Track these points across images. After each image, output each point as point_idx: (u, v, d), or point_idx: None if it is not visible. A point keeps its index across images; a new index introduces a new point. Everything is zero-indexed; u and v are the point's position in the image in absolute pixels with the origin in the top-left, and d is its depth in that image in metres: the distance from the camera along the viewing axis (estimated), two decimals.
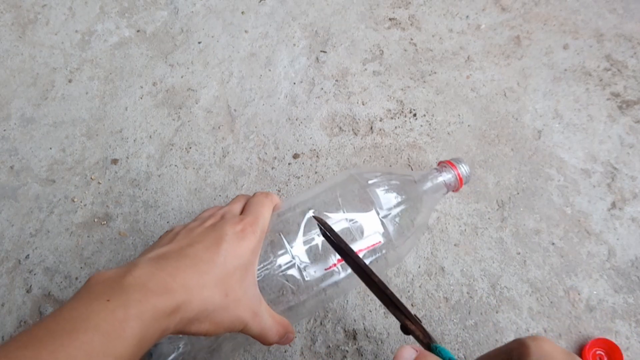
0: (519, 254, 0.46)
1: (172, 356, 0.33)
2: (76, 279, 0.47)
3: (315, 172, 0.52)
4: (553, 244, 0.46)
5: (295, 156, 0.53)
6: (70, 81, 0.60)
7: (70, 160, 0.54)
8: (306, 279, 0.35)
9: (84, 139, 0.56)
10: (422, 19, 0.62)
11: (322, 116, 0.56)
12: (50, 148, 0.55)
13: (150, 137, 0.55)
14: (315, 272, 0.36)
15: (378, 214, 0.38)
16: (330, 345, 0.43)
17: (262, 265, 0.34)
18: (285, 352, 0.43)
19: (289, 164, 0.53)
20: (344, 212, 0.38)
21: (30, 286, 0.47)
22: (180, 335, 0.32)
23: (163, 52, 0.62)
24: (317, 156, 0.53)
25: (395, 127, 0.54)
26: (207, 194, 0.52)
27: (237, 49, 0.62)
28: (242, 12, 0.65)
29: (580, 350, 0.41)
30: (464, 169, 0.43)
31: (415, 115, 0.55)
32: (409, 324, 0.30)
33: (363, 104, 0.56)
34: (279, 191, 0.51)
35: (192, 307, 0.26)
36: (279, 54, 0.61)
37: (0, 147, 0.55)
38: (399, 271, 0.46)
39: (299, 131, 0.55)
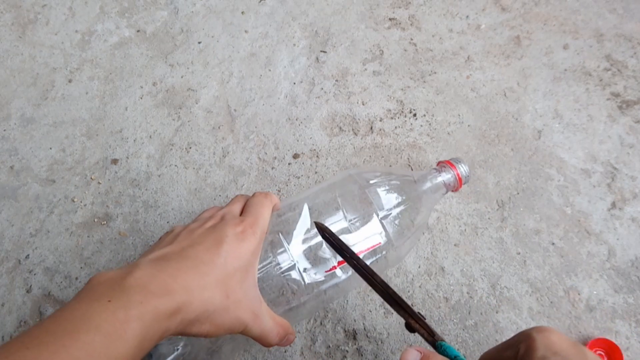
0: (519, 254, 0.46)
1: (172, 357, 0.33)
2: (76, 279, 0.47)
3: (315, 172, 0.52)
4: (553, 244, 0.46)
5: (295, 156, 0.53)
6: (70, 81, 0.60)
7: (70, 160, 0.54)
8: (306, 280, 0.35)
9: (84, 139, 0.56)
10: (422, 19, 0.62)
11: (322, 116, 0.56)
12: (50, 148, 0.55)
13: (150, 137, 0.55)
14: (315, 273, 0.36)
15: (378, 215, 0.38)
16: (330, 345, 0.43)
17: (262, 266, 0.34)
18: (285, 352, 0.43)
19: (289, 164, 0.53)
20: (343, 213, 0.38)
21: (30, 286, 0.47)
22: (180, 336, 0.32)
23: (163, 52, 0.62)
24: (317, 156, 0.53)
25: (395, 127, 0.54)
26: (207, 194, 0.52)
27: (237, 49, 0.62)
28: (242, 12, 0.65)
29: None
30: (463, 169, 0.43)
31: (415, 115, 0.55)
32: (413, 322, 0.30)
33: (363, 104, 0.56)
34: (279, 191, 0.51)
35: (192, 309, 0.26)
36: (279, 54, 0.61)
37: (0, 147, 0.55)
38: (399, 271, 0.46)
39: (299, 131, 0.55)
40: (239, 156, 0.54)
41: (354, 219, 0.38)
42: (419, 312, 0.30)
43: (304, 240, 0.36)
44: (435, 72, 0.58)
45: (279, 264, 0.35)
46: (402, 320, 0.30)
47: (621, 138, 0.52)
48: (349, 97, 0.57)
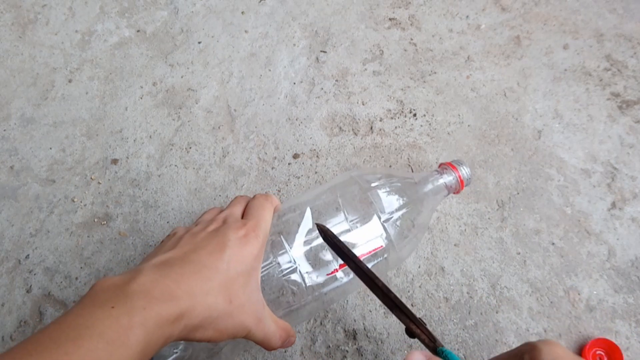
0: (519, 254, 0.46)
1: (171, 358, 0.32)
2: (76, 279, 0.47)
3: (315, 172, 0.52)
4: (553, 244, 0.46)
5: (295, 156, 0.53)
6: (70, 81, 0.60)
7: (70, 160, 0.54)
8: (307, 283, 0.35)
9: (84, 139, 0.56)
10: (422, 19, 0.62)
11: (322, 116, 0.56)
12: (50, 148, 0.55)
13: (150, 137, 0.55)
14: (317, 276, 0.36)
15: (379, 217, 0.38)
16: (330, 345, 0.43)
17: (263, 268, 0.34)
18: (285, 352, 0.43)
19: (289, 164, 0.53)
20: (345, 215, 0.37)
21: (30, 286, 0.47)
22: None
23: (163, 52, 0.62)
24: (317, 156, 0.53)
25: (395, 127, 0.54)
26: (207, 194, 0.52)
27: (237, 49, 0.62)
28: (242, 12, 0.65)
29: (580, 350, 0.41)
30: (464, 171, 0.42)
31: (415, 115, 0.55)
32: (414, 327, 0.29)
33: (363, 104, 0.56)
34: (279, 191, 0.51)
35: (196, 314, 0.26)
36: (279, 54, 0.61)
37: (0, 147, 0.55)
38: (399, 271, 0.46)
39: (299, 131, 0.55)
40: (239, 156, 0.54)
41: (356, 221, 0.38)
42: (420, 318, 0.30)
43: (306, 243, 0.36)
44: (435, 72, 0.58)
45: (280, 266, 0.35)
46: None
47: (621, 138, 0.52)
48: (349, 97, 0.57)
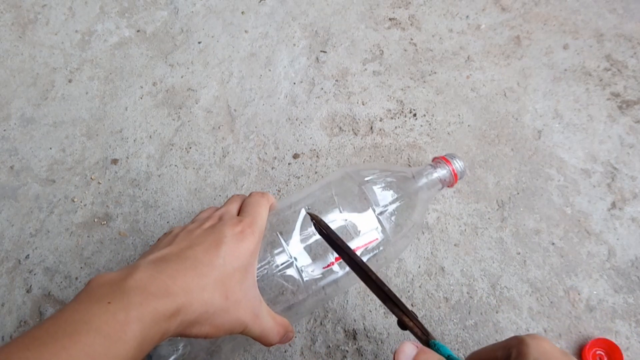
0: (519, 254, 0.46)
1: (172, 358, 0.33)
2: (76, 279, 0.47)
3: (315, 172, 0.52)
4: (553, 244, 0.46)
5: (295, 156, 0.53)
6: (70, 81, 0.60)
7: (70, 160, 0.54)
8: (305, 277, 0.35)
9: (84, 139, 0.56)
10: (422, 19, 0.62)
11: (322, 116, 0.56)
12: (50, 148, 0.55)
13: (150, 137, 0.55)
14: (313, 270, 0.36)
15: (374, 211, 0.38)
16: (330, 345, 0.43)
17: (260, 265, 0.34)
18: (285, 352, 0.43)
19: (289, 164, 0.53)
20: (340, 210, 0.38)
21: (30, 286, 0.47)
22: (180, 337, 0.33)
23: (163, 52, 0.62)
24: (317, 156, 0.53)
25: (395, 127, 0.54)
26: (207, 194, 0.52)
27: (237, 49, 0.62)
28: (242, 12, 0.65)
29: (580, 350, 0.41)
30: (458, 164, 0.43)
31: (415, 115, 0.55)
32: (407, 320, 0.30)
33: (363, 104, 0.56)
34: (279, 191, 0.51)
35: (192, 310, 0.26)
36: (279, 54, 0.61)
37: (0, 147, 0.55)
38: (399, 271, 0.46)
39: (299, 131, 0.55)
40: (239, 156, 0.54)
41: (351, 216, 0.38)
42: (412, 312, 0.30)
43: (302, 238, 0.36)
44: (435, 72, 0.58)
45: (277, 262, 0.35)
46: None
47: (621, 138, 0.52)
48: (349, 97, 0.57)
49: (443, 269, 0.46)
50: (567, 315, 0.43)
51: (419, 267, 0.46)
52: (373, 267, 0.33)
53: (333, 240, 0.34)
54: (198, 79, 0.60)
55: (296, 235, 0.36)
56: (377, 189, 0.39)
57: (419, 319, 0.30)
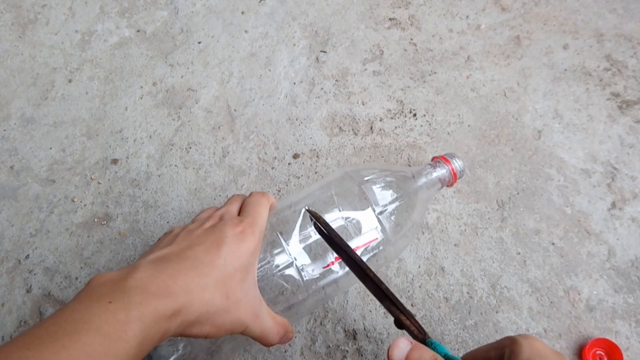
0: (519, 254, 0.46)
1: (172, 358, 0.32)
2: (76, 279, 0.47)
3: (315, 172, 0.52)
4: (553, 244, 0.46)
5: (295, 156, 0.53)
6: (70, 81, 0.60)
7: (70, 160, 0.54)
8: (305, 277, 0.35)
9: (84, 139, 0.56)
10: (422, 19, 0.62)
11: (322, 116, 0.56)
12: (50, 148, 0.55)
13: (150, 137, 0.55)
14: (313, 270, 0.36)
15: (374, 210, 0.38)
16: (330, 345, 0.43)
17: (260, 265, 0.34)
18: (285, 352, 0.43)
19: (289, 164, 0.53)
20: (339, 210, 0.38)
21: (30, 286, 0.47)
22: (180, 337, 0.33)
23: (163, 52, 0.62)
24: (317, 156, 0.53)
25: (395, 127, 0.54)
26: (207, 194, 0.52)
27: (237, 49, 0.62)
28: (242, 12, 0.65)
29: (580, 350, 0.41)
30: (457, 164, 0.43)
31: (415, 115, 0.55)
32: (404, 318, 0.30)
33: (363, 104, 0.56)
34: (279, 191, 0.51)
35: (193, 310, 0.26)
36: (279, 54, 0.61)
37: (0, 147, 0.55)
38: (399, 271, 0.46)
39: (299, 131, 0.55)
40: (239, 156, 0.54)
41: (351, 215, 0.38)
42: (409, 311, 0.30)
43: (301, 238, 0.36)
44: (435, 72, 0.58)
45: (277, 262, 0.35)
46: None
47: (621, 138, 0.52)
48: (349, 97, 0.57)
49: (443, 269, 0.46)
50: (567, 315, 0.43)
51: (419, 267, 0.46)
52: (373, 266, 0.33)
53: (331, 237, 0.34)
54: (198, 79, 0.60)
55: (296, 235, 0.36)
56: (376, 188, 0.39)
57: (417, 318, 0.30)
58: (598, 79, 0.56)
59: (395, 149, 0.53)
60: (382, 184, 0.40)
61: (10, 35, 0.64)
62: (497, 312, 0.43)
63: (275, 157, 0.53)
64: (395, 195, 0.39)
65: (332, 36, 0.62)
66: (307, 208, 0.36)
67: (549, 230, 0.47)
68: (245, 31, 0.63)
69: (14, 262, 0.48)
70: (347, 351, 0.42)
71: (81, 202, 0.51)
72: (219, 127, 0.56)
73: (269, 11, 0.65)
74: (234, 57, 0.61)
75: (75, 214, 0.51)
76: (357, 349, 0.42)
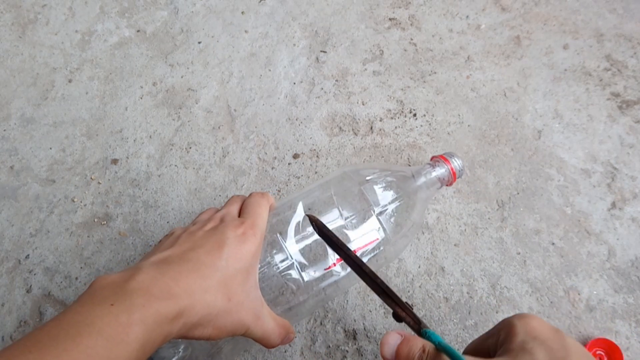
0: (519, 254, 0.46)
1: None
2: (76, 279, 0.47)
3: (315, 172, 0.52)
4: (553, 244, 0.46)
5: (295, 156, 0.53)
6: (70, 81, 0.60)
7: (70, 160, 0.54)
8: (305, 279, 0.35)
9: (84, 139, 0.56)
10: (422, 19, 0.62)
11: (322, 116, 0.56)
12: (50, 148, 0.55)
13: (150, 137, 0.55)
14: (314, 272, 0.36)
15: (374, 211, 0.38)
16: (330, 345, 0.43)
17: (261, 266, 0.34)
18: (285, 352, 0.43)
19: (289, 164, 0.53)
20: (339, 210, 0.38)
21: (30, 286, 0.47)
22: (181, 339, 0.33)
23: (163, 52, 0.62)
24: (317, 156, 0.53)
25: (395, 127, 0.54)
26: (207, 194, 0.52)
27: (237, 49, 0.62)
28: (242, 12, 0.65)
29: None
30: (456, 163, 0.43)
31: (415, 115, 0.55)
32: (400, 310, 0.30)
33: (363, 104, 0.56)
34: (279, 191, 0.51)
35: (195, 312, 0.26)
36: (279, 54, 0.61)
37: (0, 147, 0.55)
38: (399, 271, 0.46)
39: (299, 131, 0.55)
40: (239, 156, 0.54)
41: (351, 216, 0.38)
42: (406, 302, 0.30)
43: (302, 239, 0.36)
44: (435, 72, 0.58)
45: (277, 263, 0.35)
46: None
47: (621, 138, 0.52)
48: (349, 97, 0.57)
49: (443, 269, 0.46)
50: (567, 315, 0.43)
51: (419, 267, 0.46)
52: (373, 267, 0.33)
53: (330, 238, 0.34)
54: (198, 79, 0.60)
55: (296, 237, 0.36)
56: (376, 188, 0.39)
57: (414, 310, 0.31)
58: (598, 79, 0.56)
59: (395, 149, 0.53)
60: (382, 184, 0.40)
61: (10, 35, 0.64)
62: (497, 312, 0.43)
63: (275, 157, 0.53)
64: (395, 195, 0.39)
65: (332, 36, 0.62)
66: (306, 213, 0.37)
67: (549, 230, 0.47)
68: (245, 31, 0.63)
69: (14, 262, 0.48)
70: (347, 351, 0.42)
71: (81, 202, 0.51)
72: (219, 127, 0.56)
73: (269, 11, 0.65)
74: (234, 57, 0.61)
75: (75, 214, 0.51)
76: (357, 349, 0.42)
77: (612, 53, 0.57)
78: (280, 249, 0.35)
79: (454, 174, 0.43)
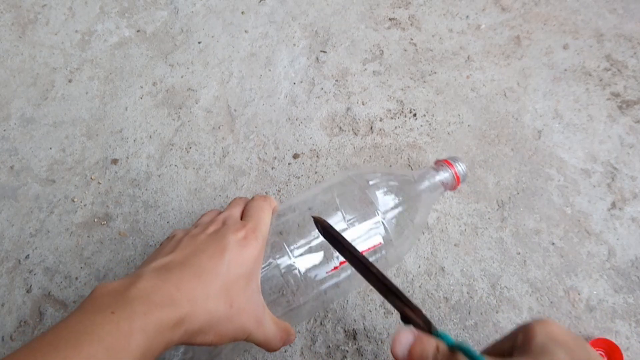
0: (519, 254, 0.46)
1: None
2: (76, 279, 0.47)
3: (315, 172, 0.52)
4: (553, 244, 0.46)
5: (295, 156, 0.53)
6: (70, 81, 0.60)
7: (70, 160, 0.54)
8: (307, 281, 0.35)
9: (84, 139, 0.56)
10: (422, 19, 0.62)
11: (322, 116, 0.56)
12: (50, 148, 0.55)
13: (150, 137, 0.55)
14: (316, 275, 0.36)
15: (377, 215, 0.38)
16: (330, 345, 0.43)
17: (263, 268, 0.34)
18: (285, 352, 0.43)
19: (289, 164, 0.53)
20: (342, 214, 0.38)
21: (30, 286, 0.47)
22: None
23: (163, 52, 0.62)
24: (317, 156, 0.53)
25: (395, 127, 0.54)
26: (207, 194, 0.52)
27: (237, 49, 0.62)
28: (242, 12, 0.65)
29: None
30: (460, 168, 0.43)
31: (415, 115, 0.55)
32: (409, 311, 0.29)
33: (363, 104, 0.56)
34: (279, 191, 0.51)
35: (196, 319, 0.26)
36: (279, 54, 0.61)
37: (0, 147, 0.55)
38: (399, 271, 0.46)
39: (299, 131, 0.55)
40: (239, 156, 0.54)
41: (354, 219, 0.38)
42: (415, 304, 0.30)
43: (305, 241, 0.36)
44: (435, 72, 0.58)
45: (279, 266, 0.35)
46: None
47: (621, 138, 0.52)
48: (349, 97, 0.57)
49: (443, 269, 0.46)
50: (567, 315, 0.43)
51: (419, 267, 0.46)
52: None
53: (335, 237, 0.33)
54: (198, 79, 0.60)
55: (299, 239, 0.36)
56: (380, 193, 0.39)
57: (422, 311, 0.30)
58: (598, 79, 0.56)
59: (395, 149, 0.53)
60: (386, 189, 0.40)
61: (10, 35, 0.64)
62: (497, 312, 0.43)
63: (275, 157, 0.53)
64: (398, 200, 0.39)
65: (332, 36, 0.62)
66: (311, 214, 0.36)
67: (549, 230, 0.47)
68: (245, 31, 0.63)
69: (14, 262, 0.48)
70: (347, 351, 0.42)
71: (81, 202, 0.51)
72: (219, 127, 0.56)
73: (269, 11, 0.65)
74: (234, 57, 0.61)
75: (75, 214, 0.51)
76: (357, 349, 0.42)
77: (612, 53, 0.57)
78: (283, 252, 0.35)
79: (458, 178, 0.42)
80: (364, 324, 0.44)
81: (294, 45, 0.62)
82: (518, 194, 0.49)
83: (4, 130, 0.56)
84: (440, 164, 0.43)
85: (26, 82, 0.60)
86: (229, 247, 0.30)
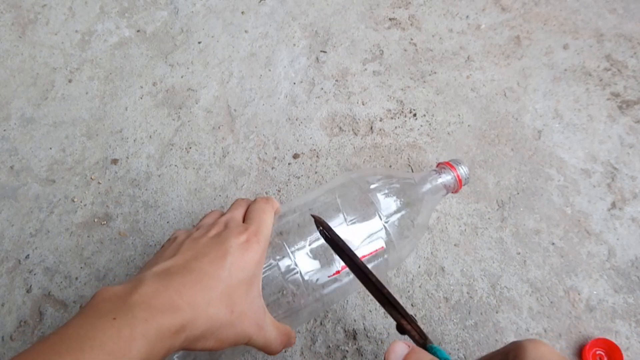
0: (519, 254, 0.46)
1: None
2: (76, 279, 0.47)
3: (315, 172, 0.52)
4: (553, 244, 0.46)
5: (295, 156, 0.53)
6: (70, 81, 0.60)
7: (70, 160, 0.54)
8: (308, 284, 0.35)
9: (84, 139, 0.56)
10: (422, 19, 0.62)
11: (322, 116, 0.56)
12: (50, 148, 0.55)
13: (150, 137, 0.55)
14: (317, 278, 0.36)
15: (380, 218, 0.38)
16: (330, 345, 0.43)
17: (264, 270, 0.34)
18: (285, 352, 0.43)
19: (289, 164, 0.53)
20: (344, 217, 0.37)
21: (30, 286, 0.47)
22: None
23: (163, 52, 0.62)
24: (317, 156, 0.53)
25: (395, 127, 0.54)
26: (207, 194, 0.52)
27: (237, 49, 0.62)
28: (242, 12, 0.65)
29: (580, 350, 0.41)
30: (463, 170, 0.42)
31: (415, 115, 0.55)
32: (405, 323, 0.29)
33: (363, 104, 0.56)
34: (279, 191, 0.51)
35: (198, 325, 0.26)
36: (279, 54, 0.61)
37: (0, 147, 0.55)
38: (399, 271, 0.46)
39: (299, 131, 0.55)
40: (239, 156, 0.54)
41: (356, 222, 0.37)
42: (411, 315, 0.30)
43: (306, 244, 0.36)
44: (435, 72, 0.58)
45: (281, 268, 0.35)
46: None
47: (621, 138, 0.52)
48: (349, 97, 0.57)
49: (443, 269, 0.46)
50: (567, 315, 0.43)
51: (419, 267, 0.46)
52: (377, 273, 0.32)
53: (335, 242, 0.33)
54: (198, 79, 0.60)
55: (300, 241, 0.36)
56: (382, 196, 0.39)
57: (417, 318, 0.30)
58: (598, 79, 0.56)
59: (395, 149, 0.53)
60: (388, 192, 0.39)
61: (10, 35, 0.64)
62: (497, 312, 0.43)
63: (275, 157, 0.53)
64: (400, 203, 0.39)
65: (332, 36, 0.62)
66: (312, 213, 0.36)
67: (549, 230, 0.47)
68: (245, 31, 0.63)
69: (14, 262, 0.48)
70: (347, 351, 0.42)
71: (81, 202, 0.51)
72: (219, 127, 0.56)
73: (269, 11, 0.65)
74: (234, 57, 0.61)
75: (75, 214, 0.51)
76: (357, 349, 0.42)
77: (612, 53, 0.57)
78: (284, 254, 0.35)
79: (460, 181, 0.42)
80: (364, 324, 0.44)
81: (294, 45, 0.62)
82: (518, 194, 0.49)
83: (4, 130, 0.56)
84: (442, 167, 0.43)
85: (26, 82, 0.60)
86: (230, 251, 0.29)
